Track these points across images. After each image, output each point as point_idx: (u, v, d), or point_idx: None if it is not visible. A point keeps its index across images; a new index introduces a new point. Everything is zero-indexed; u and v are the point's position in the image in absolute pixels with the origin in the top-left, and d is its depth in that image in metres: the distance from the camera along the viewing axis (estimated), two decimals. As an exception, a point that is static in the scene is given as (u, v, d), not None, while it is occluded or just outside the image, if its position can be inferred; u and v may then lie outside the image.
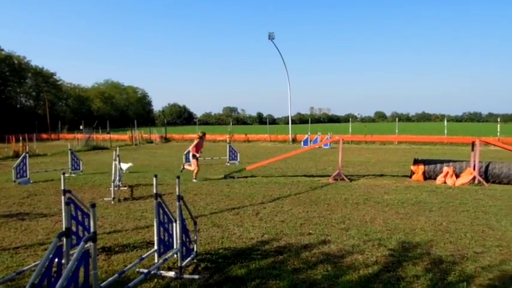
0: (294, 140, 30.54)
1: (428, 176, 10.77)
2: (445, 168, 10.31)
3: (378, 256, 4.76)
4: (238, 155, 15.39)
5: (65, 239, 3.26)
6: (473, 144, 10.39)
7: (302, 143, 26.75)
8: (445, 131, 28.10)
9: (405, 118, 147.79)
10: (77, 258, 2.83)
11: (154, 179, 4.26)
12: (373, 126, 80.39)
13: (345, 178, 10.67)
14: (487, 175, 10.28)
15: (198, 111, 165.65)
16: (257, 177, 11.35)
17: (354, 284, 3.95)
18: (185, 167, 11.89)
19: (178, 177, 4.28)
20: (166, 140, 34.19)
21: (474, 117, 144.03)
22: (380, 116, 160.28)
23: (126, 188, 9.52)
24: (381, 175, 11.75)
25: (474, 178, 10.02)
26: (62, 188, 4.43)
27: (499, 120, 29.34)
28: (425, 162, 10.96)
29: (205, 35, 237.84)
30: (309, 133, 27.96)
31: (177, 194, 4.23)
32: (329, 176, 11.11)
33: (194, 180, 10.72)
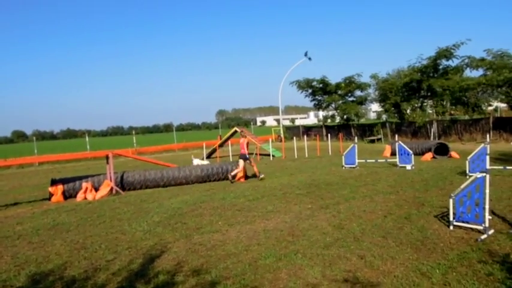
0: None
1: (68, 195, 10.50)
2: (84, 184, 10.41)
3: (0, 302, 4.07)
4: None
5: None
6: (107, 157, 11.06)
7: None
8: (88, 147, 28.71)
9: (49, 136, 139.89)
10: None
11: None
12: (10, 147, 70.81)
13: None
14: (123, 184, 11.23)
15: None
16: None
17: None
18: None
19: None
20: None
21: (118, 131, 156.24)
22: (20, 136, 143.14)
23: None
24: (15, 203, 10.36)
25: (112, 189, 10.69)
26: None
27: (134, 132, 33.05)
28: (63, 181, 10.62)
29: None
30: None
31: None
32: None
33: (262, 176, 11.65)
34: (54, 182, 10.46)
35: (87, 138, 30.19)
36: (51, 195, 10.27)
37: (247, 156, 11.84)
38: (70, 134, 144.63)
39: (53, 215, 8.39)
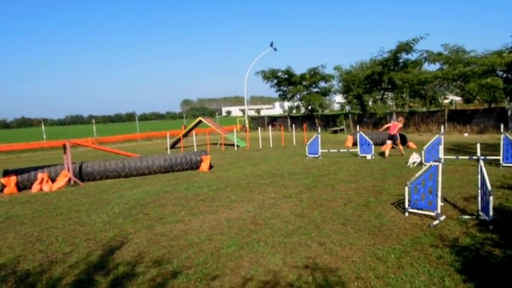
0: None
1: (23, 187, 10.00)
2: (40, 175, 9.95)
3: None
4: None
5: None
6: (64, 147, 10.61)
7: None
8: (44, 136, 27.41)
9: (2, 125, 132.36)
10: None
11: None
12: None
13: None
14: (81, 174, 10.84)
15: None
16: None
17: None
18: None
19: None
20: None
21: (76, 120, 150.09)
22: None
23: None
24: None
25: (70, 179, 10.30)
26: None
27: (93, 121, 31.90)
28: (17, 172, 10.10)
29: None
30: None
31: None
32: None
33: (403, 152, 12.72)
34: (6, 173, 9.93)
35: (43, 127, 28.81)
36: (3, 186, 9.75)
37: (394, 136, 12.94)
38: (25, 123, 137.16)
39: (5, 207, 7.98)
